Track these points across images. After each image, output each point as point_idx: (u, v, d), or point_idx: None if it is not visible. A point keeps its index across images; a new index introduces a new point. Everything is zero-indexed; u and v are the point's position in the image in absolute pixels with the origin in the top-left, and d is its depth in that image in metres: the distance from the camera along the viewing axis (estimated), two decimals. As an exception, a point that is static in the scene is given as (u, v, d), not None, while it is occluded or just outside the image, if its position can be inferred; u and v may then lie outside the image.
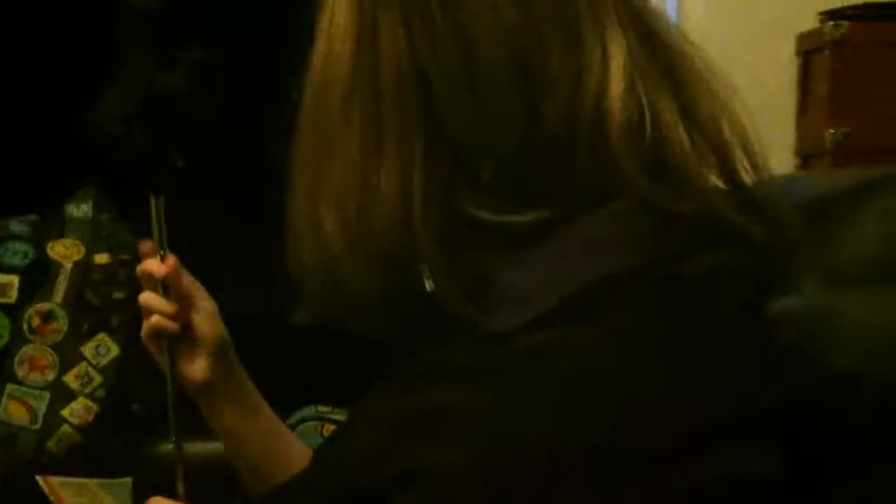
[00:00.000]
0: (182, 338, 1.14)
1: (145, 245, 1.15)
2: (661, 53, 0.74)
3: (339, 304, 0.74)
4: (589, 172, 0.70)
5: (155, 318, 1.12)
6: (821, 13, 2.15)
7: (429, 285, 0.70)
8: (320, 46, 0.76)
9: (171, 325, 1.12)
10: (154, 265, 1.13)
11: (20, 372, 2.15)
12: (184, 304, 1.13)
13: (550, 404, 0.63)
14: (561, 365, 0.65)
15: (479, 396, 0.64)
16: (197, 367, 1.14)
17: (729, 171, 0.74)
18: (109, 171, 2.45)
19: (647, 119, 0.71)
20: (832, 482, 0.73)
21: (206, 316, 1.15)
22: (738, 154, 0.74)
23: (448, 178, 0.71)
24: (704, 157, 0.73)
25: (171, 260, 1.13)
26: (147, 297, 1.13)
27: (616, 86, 0.71)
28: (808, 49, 2.21)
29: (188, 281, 1.15)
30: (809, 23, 2.19)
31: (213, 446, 2.10)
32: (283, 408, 1.81)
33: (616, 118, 0.70)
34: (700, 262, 0.69)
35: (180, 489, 1.18)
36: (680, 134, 0.72)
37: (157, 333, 1.12)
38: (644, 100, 0.71)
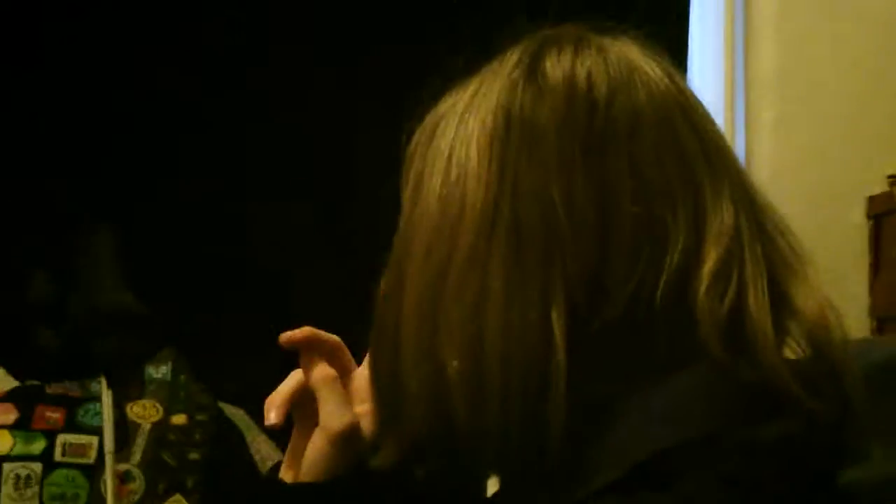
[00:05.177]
0: None
1: None
2: (758, 225, 0.74)
3: (448, 446, 0.71)
4: (670, 338, 0.70)
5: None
6: (889, 176, 2.15)
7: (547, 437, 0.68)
8: (438, 182, 0.73)
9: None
10: None
11: (96, 533, 2.17)
12: None
13: None
14: None
15: None
16: None
17: (811, 338, 0.73)
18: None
19: (733, 286, 0.71)
20: None
21: None
22: (820, 320, 0.73)
23: (568, 332, 0.69)
24: (784, 327, 0.72)
25: None
26: None
27: (716, 254, 0.71)
28: (879, 212, 2.19)
29: None
30: (879, 186, 2.18)
31: None
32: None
33: (704, 285, 0.70)
34: (766, 431, 0.68)
35: None
36: (759, 302, 0.71)
37: None
38: (735, 270, 0.71)
